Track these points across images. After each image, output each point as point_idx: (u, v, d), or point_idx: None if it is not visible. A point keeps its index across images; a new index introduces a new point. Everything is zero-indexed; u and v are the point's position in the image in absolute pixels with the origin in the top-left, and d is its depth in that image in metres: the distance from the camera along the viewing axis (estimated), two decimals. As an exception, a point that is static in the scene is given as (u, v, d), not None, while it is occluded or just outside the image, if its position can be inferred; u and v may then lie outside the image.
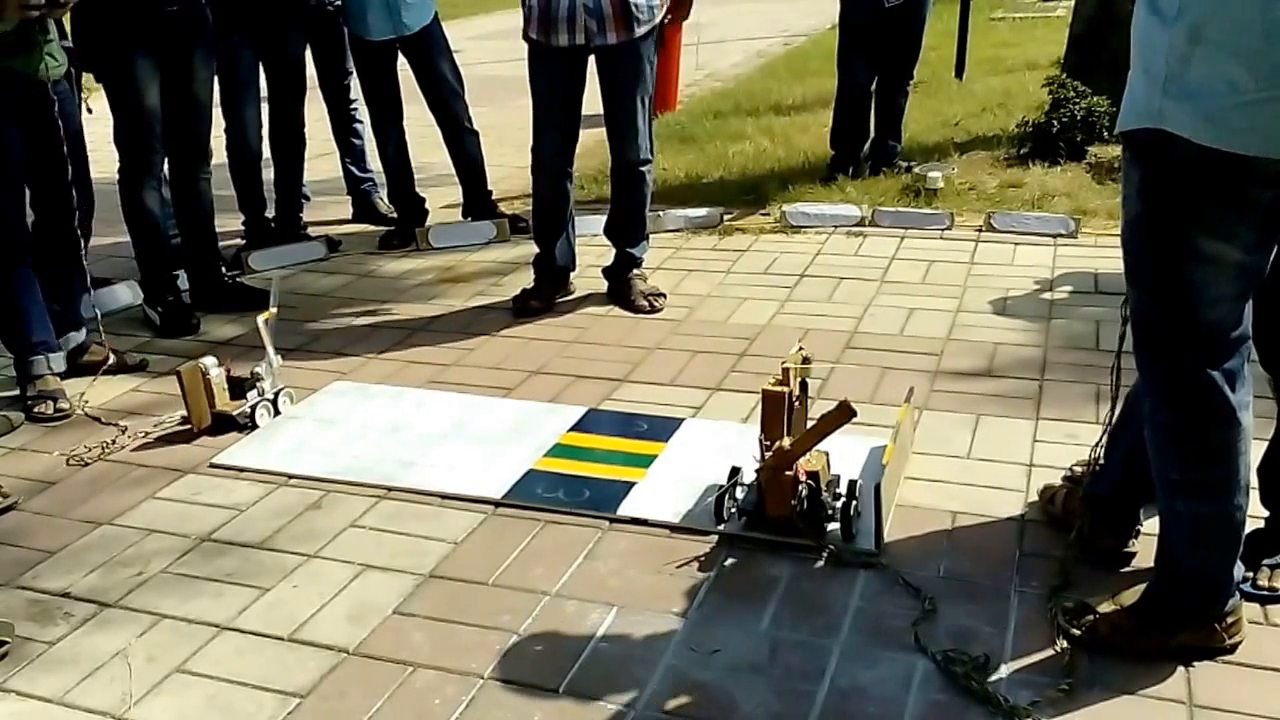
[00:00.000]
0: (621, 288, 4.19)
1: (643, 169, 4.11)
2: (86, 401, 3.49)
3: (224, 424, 3.25)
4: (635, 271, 4.21)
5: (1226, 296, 1.91)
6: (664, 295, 4.17)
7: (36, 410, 3.43)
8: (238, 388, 3.31)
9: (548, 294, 4.21)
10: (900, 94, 5.56)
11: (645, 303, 4.10)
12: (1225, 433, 1.96)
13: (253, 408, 3.27)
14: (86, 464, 3.12)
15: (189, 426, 3.25)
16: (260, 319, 3.34)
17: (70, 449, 3.20)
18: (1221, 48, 1.75)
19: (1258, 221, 1.86)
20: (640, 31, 3.85)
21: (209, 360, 3.29)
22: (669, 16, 3.96)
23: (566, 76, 3.93)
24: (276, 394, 3.34)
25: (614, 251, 4.26)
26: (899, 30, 5.30)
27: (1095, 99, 5.50)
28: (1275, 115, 1.75)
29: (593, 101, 4.16)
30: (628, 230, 4.20)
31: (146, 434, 3.27)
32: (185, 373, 3.23)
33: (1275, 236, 1.90)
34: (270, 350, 3.35)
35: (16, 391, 3.57)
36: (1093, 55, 5.91)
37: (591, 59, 3.94)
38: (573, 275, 4.33)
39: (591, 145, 5.46)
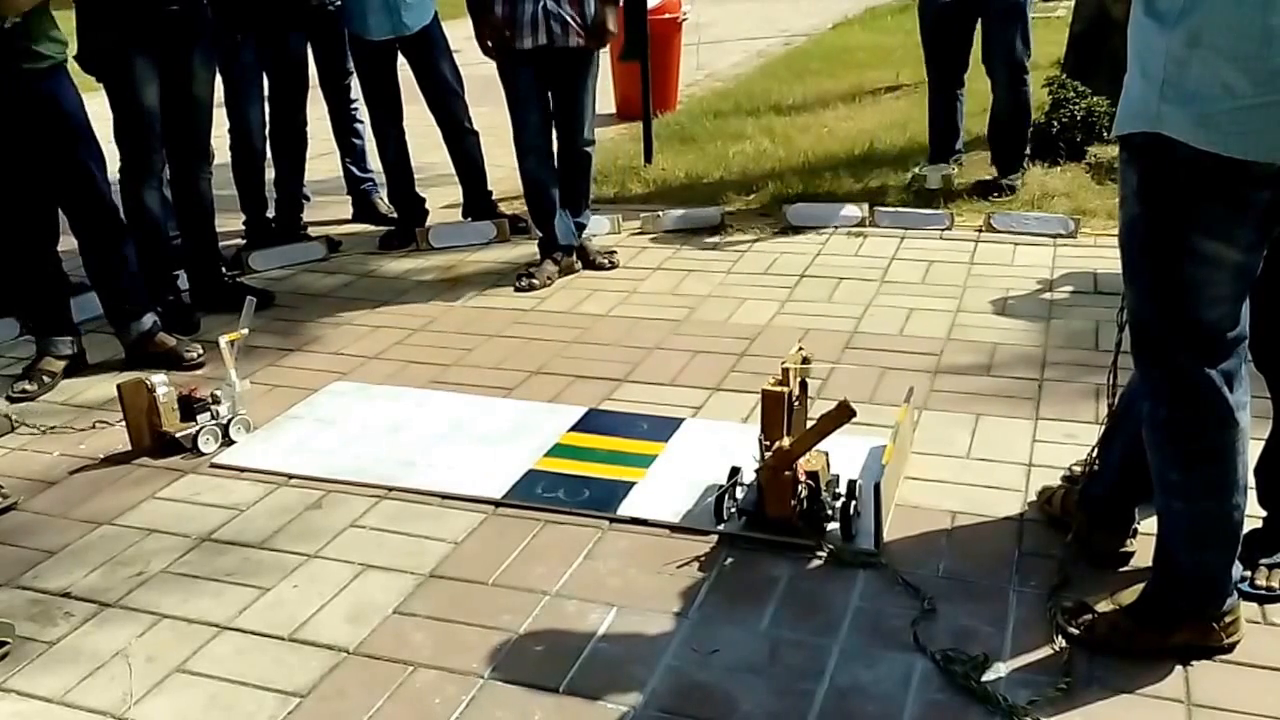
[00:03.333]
0: (579, 251, 4.62)
1: (588, 150, 4.53)
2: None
3: (167, 446, 3.12)
4: (585, 234, 4.68)
5: (1224, 297, 1.92)
6: (615, 252, 4.70)
7: (14, 385, 3.58)
8: (189, 408, 3.15)
9: (553, 273, 4.47)
10: (1008, 88, 5.01)
11: (604, 260, 4.62)
12: (1223, 433, 1.97)
13: (197, 432, 3.11)
14: (87, 464, 3.12)
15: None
16: (224, 340, 3.19)
17: (70, 449, 3.21)
18: (1219, 52, 1.76)
19: (1256, 222, 1.86)
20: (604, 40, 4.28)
21: (158, 378, 3.18)
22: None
23: (533, 71, 4.27)
24: (229, 421, 3.16)
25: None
26: (985, 21, 4.99)
27: (1095, 99, 5.49)
28: (1271, 120, 1.75)
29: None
30: (575, 201, 4.58)
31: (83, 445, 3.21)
32: (126, 388, 3.12)
33: (1271, 235, 1.91)
34: (232, 374, 3.20)
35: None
36: (1093, 55, 5.91)
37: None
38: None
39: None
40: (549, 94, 4.38)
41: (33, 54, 3.42)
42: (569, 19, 4.15)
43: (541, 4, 4.11)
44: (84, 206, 3.64)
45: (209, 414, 3.15)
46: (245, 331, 3.26)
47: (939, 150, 5.42)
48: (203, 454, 3.11)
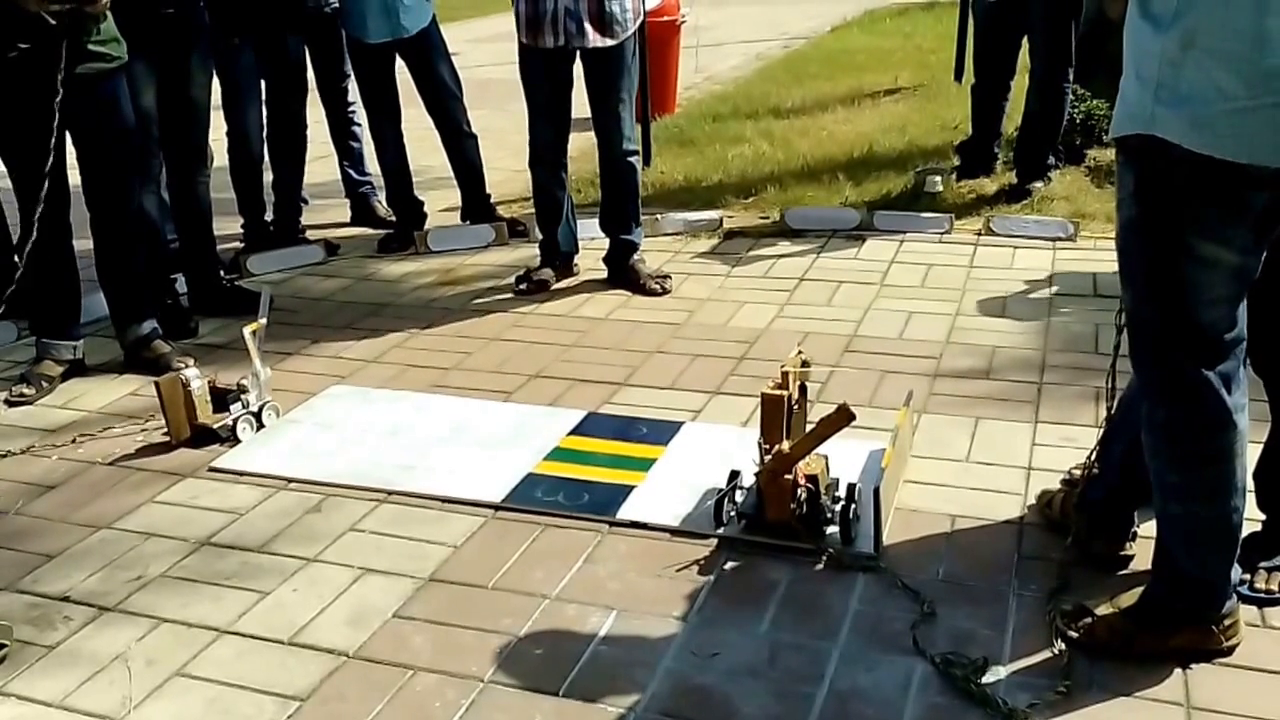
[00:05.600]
0: (627, 273, 4.39)
1: (630, 160, 4.34)
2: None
3: (205, 436, 3.19)
4: (636, 257, 4.41)
5: (1222, 298, 1.92)
6: (669, 277, 4.38)
7: (12, 388, 3.58)
8: (221, 400, 3.23)
9: (550, 276, 4.44)
10: (1042, 94, 5.00)
11: (655, 285, 4.30)
12: (1222, 435, 1.97)
13: (234, 421, 3.19)
14: (86, 468, 3.12)
15: (169, 438, 3.22)
16: (247, 330, 3.26)
17: (69, 453, 3.21)
18: (1213, 54, 1.76)
19: (1253, 224, 1.87)
20: (620, 37, 4.07)
21: (190, 371, 3.24)
22: None
23: (554, 75, 4.18)
24: (261, 407, 3.26)
25: (610, 242, 4.46)
26: (1033, 19, 4.95)
27: (1094, 102, 5.50)
28: (1265, 122, 1.76)
29: (583, 104, 4.26)
30: (622, 218, 4.40)
31: (123, 434, 3.26)
32: (164, 383, 3.18)
33: (1269, 238, 1.91)
34: (257, 362, 3.26)
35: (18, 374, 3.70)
36: (1092, 58, 5.91)
37: (578, 59, 4.16)
38: (576, 259, 4.56)
39: (589, 148, 5.48)
40: (569, 105, 4.29)
41: (102, 55, 3.43)
42: (585, 17, 3.98)
43: (562, 2, 3.96)
44: (113, 208, 3.64)
45: (240, 403, 3.23)
46: (264, 322, 3.33)
47: (969, 151, 5.43)
48: (241, 441, 3.18)
